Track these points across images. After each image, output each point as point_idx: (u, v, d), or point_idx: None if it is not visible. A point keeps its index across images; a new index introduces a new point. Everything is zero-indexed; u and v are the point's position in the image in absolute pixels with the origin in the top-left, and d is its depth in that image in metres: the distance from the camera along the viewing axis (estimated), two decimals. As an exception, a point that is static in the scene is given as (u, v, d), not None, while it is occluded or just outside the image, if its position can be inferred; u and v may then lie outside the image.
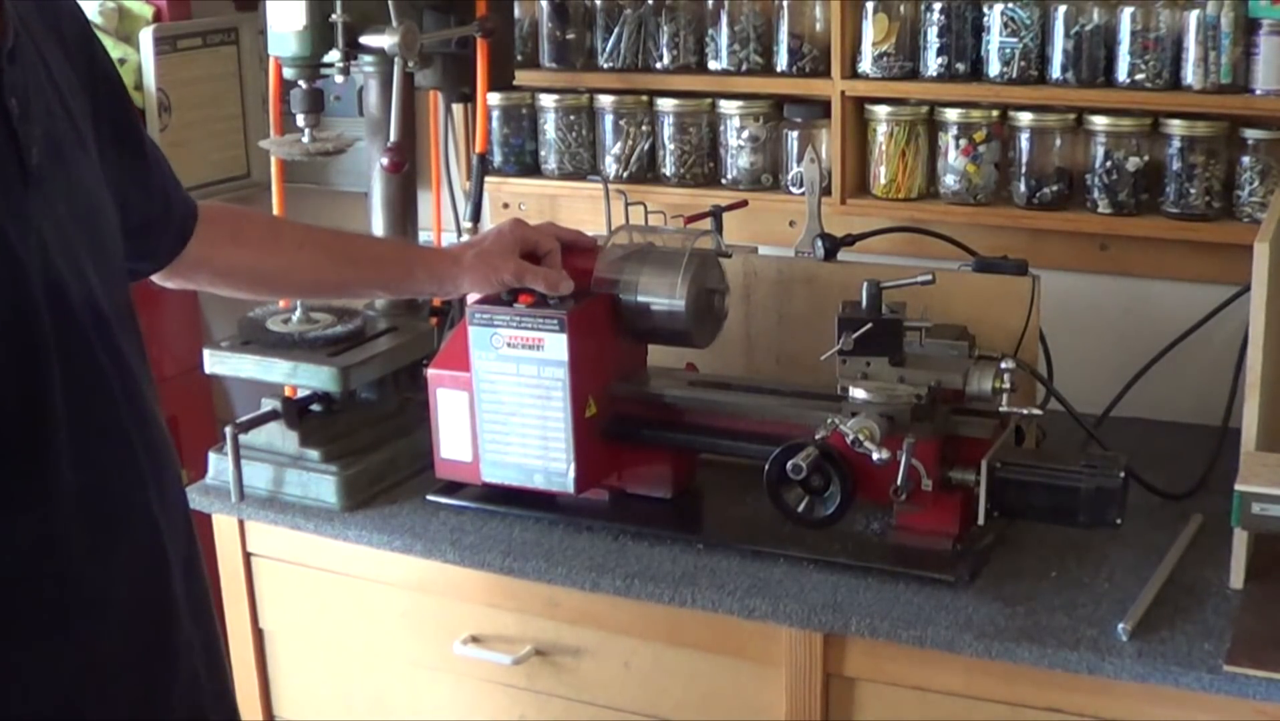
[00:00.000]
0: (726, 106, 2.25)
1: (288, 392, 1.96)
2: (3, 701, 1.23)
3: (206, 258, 1.65)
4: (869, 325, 1.64)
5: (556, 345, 1.70)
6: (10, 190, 1.23)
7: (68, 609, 1.26)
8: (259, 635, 2.03)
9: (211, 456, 1.98)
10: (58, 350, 1.25)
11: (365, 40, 1.87)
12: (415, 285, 1.83)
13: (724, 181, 2.29)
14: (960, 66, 2.08)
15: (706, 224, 2.03)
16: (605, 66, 2.31)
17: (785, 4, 2.17)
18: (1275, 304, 1.57)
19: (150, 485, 1.35)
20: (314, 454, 1.91)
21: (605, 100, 2.32)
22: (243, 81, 2.58)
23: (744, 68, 2.23)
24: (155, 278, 1.65)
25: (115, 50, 2.39)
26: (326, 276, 1.79)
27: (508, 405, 1.75)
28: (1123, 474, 1.56)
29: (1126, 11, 1.97)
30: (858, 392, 1.64)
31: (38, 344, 1.24)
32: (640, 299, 1.76)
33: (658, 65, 2.28)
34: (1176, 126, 2.00)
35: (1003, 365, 1.63)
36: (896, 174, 2.16)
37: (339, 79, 1.91)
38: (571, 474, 1.74)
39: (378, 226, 2.07)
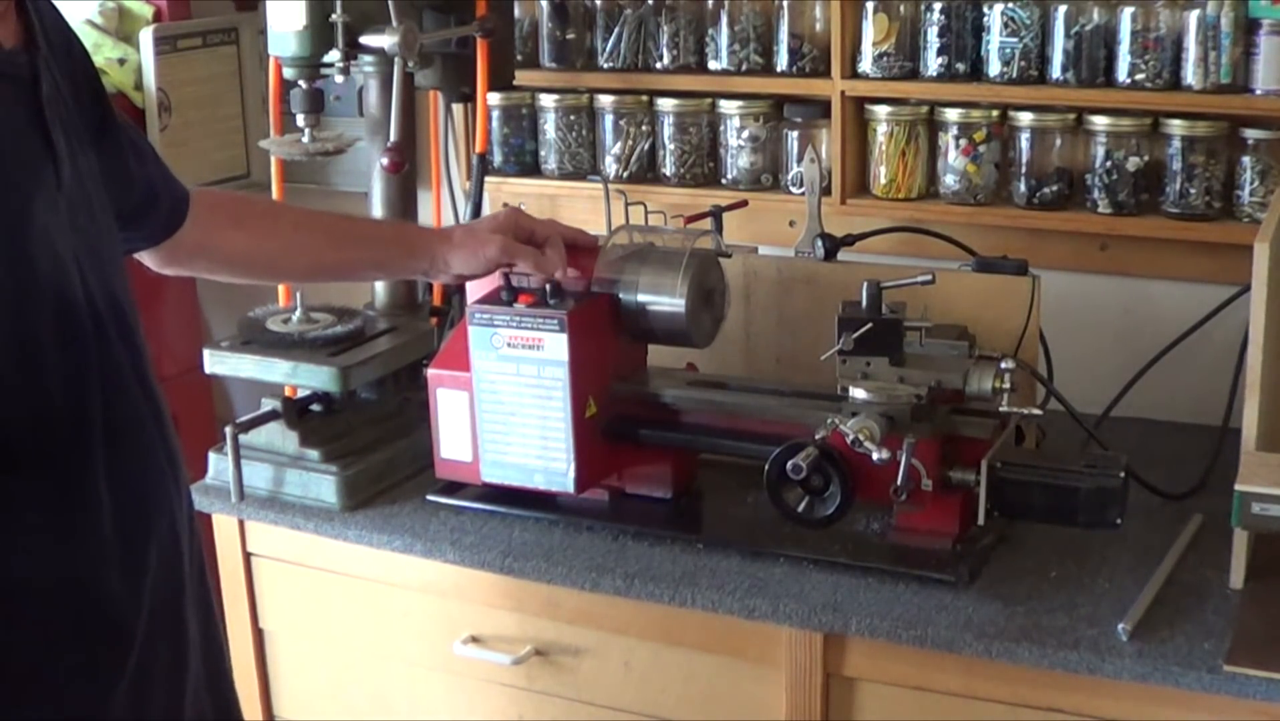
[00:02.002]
0: (726, 106, 2.25)
1: (288, 393, 1.96)
2: (37, 706, 1.23)
3: (205, 243, 1.66)
4: (869, 325, 1.64)
5: (556, 345, 1.70)
6: (55, 202, 1.24)
7: (106, 616, 1.28)
8: (259, 635, 2.03)
9: (211, 456, 1.98)
10: (96, 350, 1.27)
11: (365, 40, 1.86)
12: (412, 264, 1.80)
13: (724, 181, 2.29)
14: (960, 66, 2.08)
15: (706, 224, 2.03)
16: (605, 66, 2.31)
17: (785, 4, 2.17)
18: (1275, 304, 1.57)
19: (169, 478, 1.37)
20: (314, 454, 1.91)
21: (605, 100, 2.32)
22: (243, 81, 2.58)
23: (744, 68, 2.23)
24: (154, 265, 1.66)
25: (115, 50, 2.40)
26: (325, 258, 1.78)
27: (508, 405, 1.75)
28: (1123, 474, 1.56)
29: (1126, 11, 1.97)
30: (858, 393, 1.64)
31: (84, 350, 1.26)
32: (640, 299, 1.76)
33: (658, 65, 2.28)
34: (1176, 126, 2.00)
35: (1003, 365, 1.63)
36: (896, 174, 2.16)
37: (339, 79, 1.91)
38: (571, 474, 1.74)
39: (378, 226, 2.07)
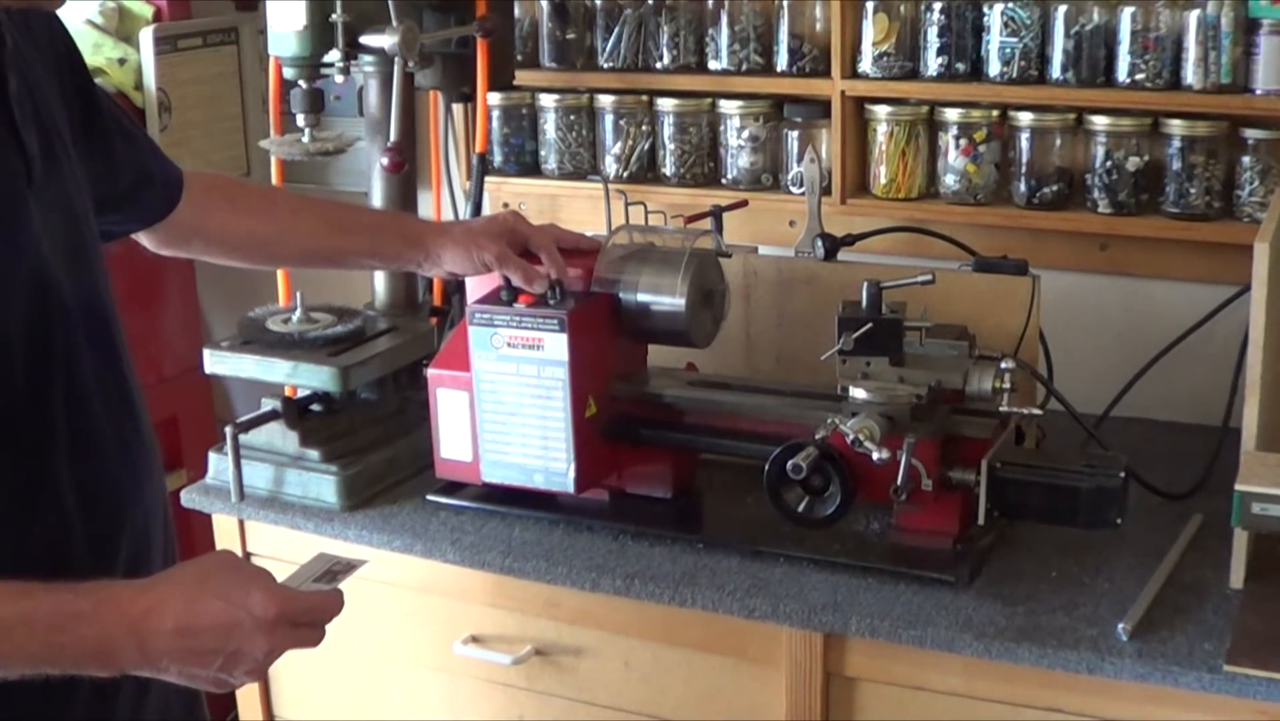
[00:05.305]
0: (726, 106, 2.25)
1: (288, 392, 1.96)
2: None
3: (201, 224, 1.66)
4: (869, 325, 1.64)
5: (556, 345, 1.70)
6: (25, 199, 1.24)
7: None
8: (259, 635, 2.03)
9: (211, 456, 1.98)
10: (62, 352, 1.27)
11: (365, 40, 1.87)
12: (406, 255, 1.80)
13: (724, 181, 2.29)
14: (960, 66, 2.08)
15: (706, 224, 2.03)
16: (605, 66, 2.31)
17: (785, 4, 2.17)
18: (1275, 304, 1.57)
19: (141, 477, 1.37)
20: (314, 454, 1.91)
21: (605, 100, 2.32)
22: (243, 81, 2.59)
23: (744, 68, 2.23)
24: (151, 246, 1.67)
25: (115, 50, 2.40)
26: (321, 243, 1.78)
27: (508, 405, 1.75)
28: (1123, 474, 1.56)
29: (1126, 11, 1.97)
30: (858, 393, 1.64)
31: (48, 346, 1.26)
32: (640, 299, 1.76)
33: (658, 65, 2.28)
34: (1176, 126, 2.00)
35: (1003, 365, 1.63)
36: (896, 174, 2.16)
37: (339, 79, 1.91)
38: (571, 474, 1.74)
39: (378, 226, 2.07)
